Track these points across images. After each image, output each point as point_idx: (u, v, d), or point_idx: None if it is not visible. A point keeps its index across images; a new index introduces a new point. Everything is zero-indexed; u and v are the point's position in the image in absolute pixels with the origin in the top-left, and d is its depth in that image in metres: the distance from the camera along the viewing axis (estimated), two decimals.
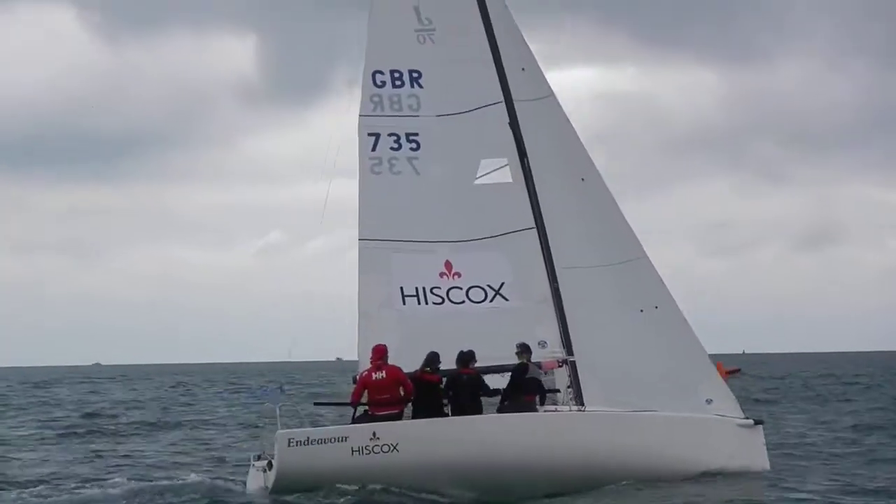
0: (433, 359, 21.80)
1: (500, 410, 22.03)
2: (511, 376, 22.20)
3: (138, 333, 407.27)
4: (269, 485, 21.33)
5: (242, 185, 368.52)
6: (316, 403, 23.40)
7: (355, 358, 22.67)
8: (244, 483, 22.67)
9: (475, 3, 23.90)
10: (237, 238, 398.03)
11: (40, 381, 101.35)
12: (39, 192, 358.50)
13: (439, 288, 23.25)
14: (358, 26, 23.90)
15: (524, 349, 22.34)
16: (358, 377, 22.00)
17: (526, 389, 22.00)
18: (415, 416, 21.72)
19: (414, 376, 21.78)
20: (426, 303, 23.19)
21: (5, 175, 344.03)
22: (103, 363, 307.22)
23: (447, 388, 21.95)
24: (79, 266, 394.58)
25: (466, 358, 22.10)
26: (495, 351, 22.66)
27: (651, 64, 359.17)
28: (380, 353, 21.83)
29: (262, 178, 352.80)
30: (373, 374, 21.70)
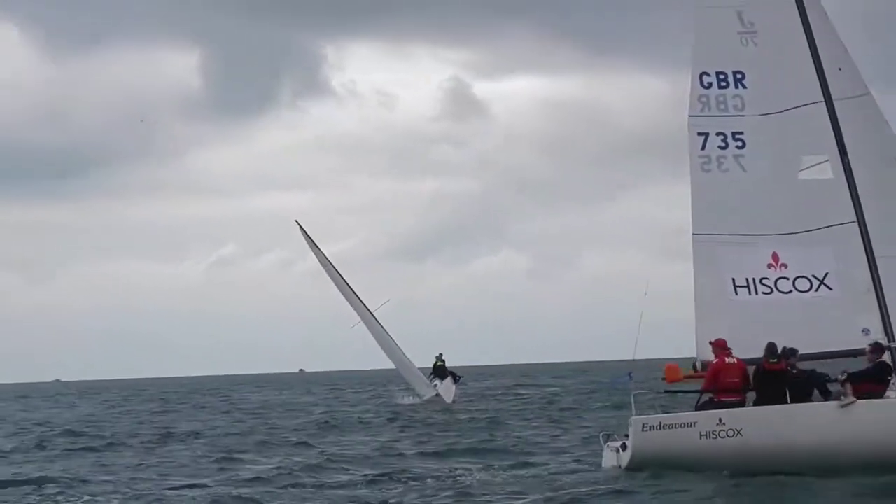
0: (774, 349, 23.17)
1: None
2: (872, 370, 23.44)
3: (97, 350, 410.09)
4: (623, 464, 23.05)
5: (192, 198, 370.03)
6: (666, 391, 24.93)
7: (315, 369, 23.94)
8: (598, 463, 24.37)
9: (794, 5, 25.07)
10: (190, 252, 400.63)
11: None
12: None
13: (767, 278, 24.62)
14: (680, 28, 25.15)
15: (877, 348, 23.55)
16: (707, 364, 23.60)
17: (877, 379, 23.29)
18: (758, 403, 23.15)
19: (757, 365, 23.23)
20: (756, 293, 24.58)
21: None
22: (63, 379, 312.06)
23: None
24: (31, 283, 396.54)
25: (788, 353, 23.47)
26: (819, 338, 24.09)
27: (598, 71, 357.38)
28: (724, 343, 23.41)
29: (212, 191, 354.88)
30: (725, 359, 23.29)
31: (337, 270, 67.86)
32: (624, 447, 23.17)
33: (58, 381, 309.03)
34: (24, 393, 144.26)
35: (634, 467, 22.83)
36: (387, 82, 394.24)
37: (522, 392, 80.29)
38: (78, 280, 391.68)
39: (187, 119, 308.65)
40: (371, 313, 66.76)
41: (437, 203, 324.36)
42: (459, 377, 66.37)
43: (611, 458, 23.65)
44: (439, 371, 65.65)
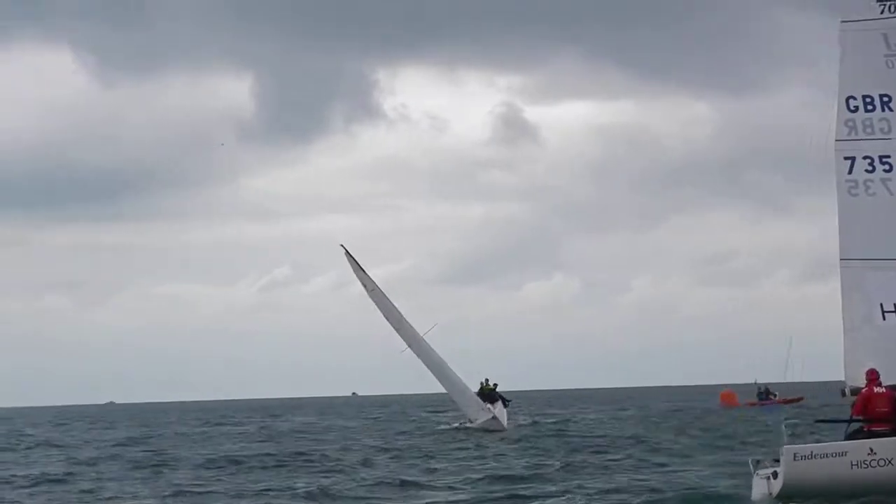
0: None
1: None
2: None
3: (151, 372, 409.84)
4: (774, 493, 22.80)
5: (245, 222, 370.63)
6: (817, 421, 24.68)
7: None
8: (748, 488, 24.16)
9: None
10: (243, 275, 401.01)
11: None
12: (43, 232, 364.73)
13: None
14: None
15: None
16: (856, 391, 23.33)
17: None
18: None
19: None
20: None
21: (8, 216, 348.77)
22: (117, 402, 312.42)
23: None
24: (85, 305, 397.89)
25: None
26: None
27: (645, 97, 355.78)
28: (875, 375, 23.19)
29: (266, 214, 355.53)
30: (874, 388, 23.03)
31: (385, 294, 66.58)
32: (775, 475, 22.91)
33: (112, 402, 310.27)
34: (76, 415, 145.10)
35: (785, 496, 22.60)
36: (438, 107, 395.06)
37: (579, 417, 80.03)
38: (132, 302, 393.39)
39: (241, 143, 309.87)
40: (421, 337, 65.69)
41: (488, 227, 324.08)
42: (508, 401, 65.91)
43: (761, 486, 23.36)
44: (488, 396, 64.87)
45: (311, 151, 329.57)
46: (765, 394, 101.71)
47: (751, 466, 24.20)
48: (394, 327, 66.22)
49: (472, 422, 63.45)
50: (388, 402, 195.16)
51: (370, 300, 66.25)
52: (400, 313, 66.66)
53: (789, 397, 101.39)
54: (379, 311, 65.93)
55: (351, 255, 66.90)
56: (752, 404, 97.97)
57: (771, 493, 22.98)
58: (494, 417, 62.67)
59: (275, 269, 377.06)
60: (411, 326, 66.30)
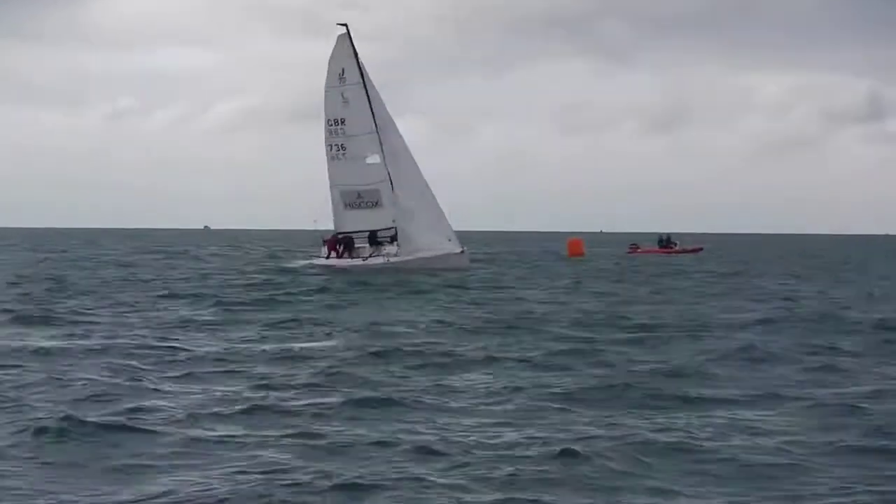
0: None
1: None
2: None
3: None
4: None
5: (91, 48, 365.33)
6: None
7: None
8: None
9: None
10: (87, 102, 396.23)
11: None
12: None
13: None
14: None
15: None
16: None
17: None
18: None
19: None
20: None
21: None
22: None
23: None
24: None
25: None
26: None
27: None
28: None
29: (111, 41, 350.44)
30: None
31: (373, 86, 59.56)
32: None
33: None
34: None
35: None
36: None
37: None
38: None
39: None
40: (405, 146, 59.34)
41: None
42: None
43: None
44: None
45: None
46: (666, 242, 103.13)
47: None
48: (366, 132, 59.09)
49: (392, 256, 57.08)
50: (247, 237, 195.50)
51: (329, 100, 59.66)
52: (388, 114, 59.75)
53: (689, 247, 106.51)
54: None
55: (351, 40, 60.15)
56: (654, 251, 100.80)
57: None
58: (463, 252, 57.39)
59: (120, 97, 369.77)
60: (397, 133, 59.39)
